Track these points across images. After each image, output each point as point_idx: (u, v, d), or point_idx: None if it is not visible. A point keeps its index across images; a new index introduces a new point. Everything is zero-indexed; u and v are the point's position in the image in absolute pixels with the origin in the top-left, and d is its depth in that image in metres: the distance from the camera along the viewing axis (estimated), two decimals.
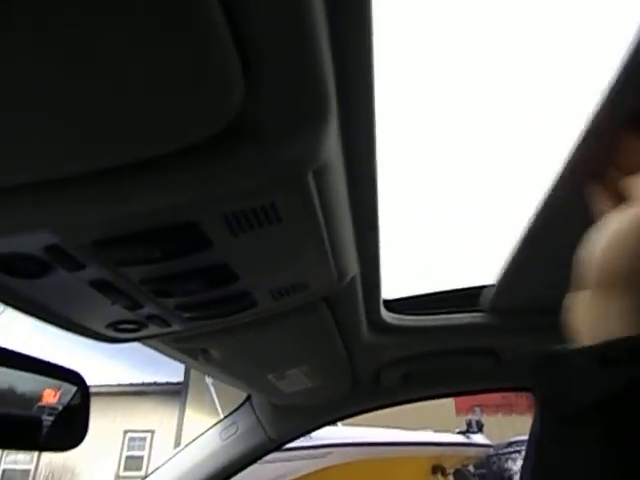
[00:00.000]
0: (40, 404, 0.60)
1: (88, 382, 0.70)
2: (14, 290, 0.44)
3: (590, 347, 0.38)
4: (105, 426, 9.56)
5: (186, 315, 0.55)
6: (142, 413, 10.97)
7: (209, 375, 1.00)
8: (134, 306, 0.50)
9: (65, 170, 0.34)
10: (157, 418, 10.85)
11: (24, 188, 0.35)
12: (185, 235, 0.41)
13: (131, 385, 11.23)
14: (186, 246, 0.42)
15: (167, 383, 11.23)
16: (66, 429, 0.64)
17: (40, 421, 0.60)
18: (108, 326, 0.55)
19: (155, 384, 11.32)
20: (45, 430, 0.61)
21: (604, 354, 0.37)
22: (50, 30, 0.23)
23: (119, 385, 10.90)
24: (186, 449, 1.33)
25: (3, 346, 0.56)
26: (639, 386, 0.35)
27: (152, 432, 10.96)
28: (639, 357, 0.36)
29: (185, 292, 0.49)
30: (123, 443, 10.96)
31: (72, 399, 0.65)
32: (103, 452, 10.23)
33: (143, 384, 11.36)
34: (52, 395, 0.62)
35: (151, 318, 0.55)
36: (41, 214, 0.36)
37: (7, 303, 0.46)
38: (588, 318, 0.41)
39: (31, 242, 0.38)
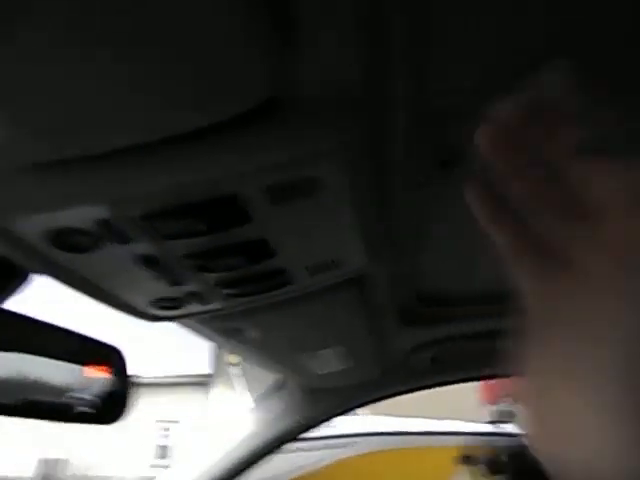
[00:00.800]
0: (80, 377, 0.63)
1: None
2: (64, 265, 0.46)
3: None
4: (134, 416, 9.78)
5: (225, 292, 0.56)
6: (169, 404, 11.21)
7: (242, 357, 1.02)
8: (176, 281, 0.52)
9: (114, 143, 0.35)
10: (184, 409, 11.07)
11: (74, 162, 0.36)
12: (228, 208, 0.41)
13: (158, 377, 11.47)
14: (229, 219, 0.43)
15: (193, 375, 11.44)
16: (106, 402, 0.66)
17: (80, 393, 0.62)
18: (150, 303, 0.56)
19: (182, 376, 11.53)
20: (85, 402, 0.63)
21: None
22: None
23: (147, 377, 11.14)
24: (219, 433, 1.36)
25: (44, 320, 0.59)
26: None
27: (178, 422, 11.20)
28: None
29: (226, 267, 0.50)
30: (153, 433, 11.22)
31: (111, 373, 0.67)
32: (134, 442, 10.50)
33: (170, 376, 11.58)
34: (92, 369, 0.64)
35: (191, 295, 0.56)
36: (91, 188, 0.38)
37: (58, 278, 0.47)
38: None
39: (81, 216, 0.39)
